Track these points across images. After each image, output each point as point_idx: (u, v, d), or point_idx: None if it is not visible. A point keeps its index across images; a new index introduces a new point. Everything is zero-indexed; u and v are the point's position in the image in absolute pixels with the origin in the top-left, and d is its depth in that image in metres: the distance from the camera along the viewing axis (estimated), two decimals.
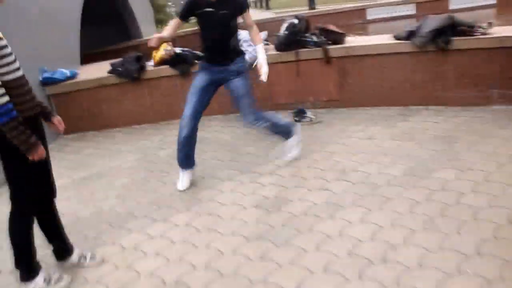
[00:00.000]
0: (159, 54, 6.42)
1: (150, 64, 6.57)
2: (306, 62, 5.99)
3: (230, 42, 4.09)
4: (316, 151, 4.73)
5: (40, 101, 2.97)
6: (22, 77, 2.74)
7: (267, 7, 46.46)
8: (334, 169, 4.27)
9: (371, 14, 17.00)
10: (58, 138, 6.52)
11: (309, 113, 5.71)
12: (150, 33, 17.17)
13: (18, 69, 2.71)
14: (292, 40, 5.95)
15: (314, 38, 5.92)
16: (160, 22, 26.02)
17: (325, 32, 5.98)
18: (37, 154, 2.71)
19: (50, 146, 6.10)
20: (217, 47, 4.10)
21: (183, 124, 4.17)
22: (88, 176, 5.09)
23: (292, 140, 4.57)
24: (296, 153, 4.60)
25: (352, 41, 6.10)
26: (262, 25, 15.37)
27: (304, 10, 25.59)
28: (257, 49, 4.14)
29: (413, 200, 3.53)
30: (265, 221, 3.54)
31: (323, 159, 4.52)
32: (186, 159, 4.36)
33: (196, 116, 4.17)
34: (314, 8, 24.02)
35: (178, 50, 6.39)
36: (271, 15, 24.86)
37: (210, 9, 3.91)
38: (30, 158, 2.69)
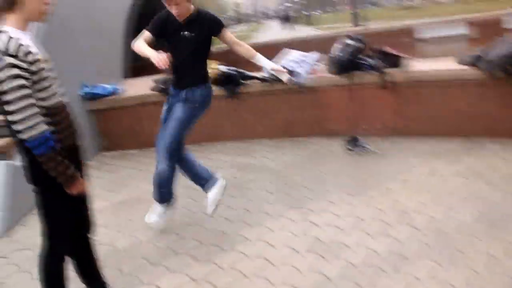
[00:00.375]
0: None
1: None
2: (361, 87, 5.60)
3: (196, 68, 3.72)
4: (373, 187, 4.31)
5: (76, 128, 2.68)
6: (61, 102, 2.48)
7: (308, 23, 46.39)
8: (395, 210, 3.84)
9: (420, 33, 16.35)
10: (98, 155, 6.32)
11: (363, 142, 5.30)
12: None
13: (57, 93, 2.44)
14: (346, 62, 5.57)
15: (371, 61, 5.53)
16: None
17: (382, 54, 5.58)
18: (76, 187, 2.44)
19: (87, 163, 5.96)
20: (180, 71, 3.71)
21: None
22: (126, 200, 4.82)
23: (159, 208, 3.94)
24: (155, 222, 3.95)
25: (411, 65, 5.67)
26: (307, 43, 15.08)
27: (347, 27, 25.25)
28: (258, 60, 3.66)
29: (490, 254, 3.08)
30: (320, 270, 3.15)
31: (381, 197, 4.10)
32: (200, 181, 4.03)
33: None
34: (359, 25, 23.64)
35: (224, 68, 6.10)
36: (315, 32, 24.60)
37: (177, 31, 3.59)
38: (68, 192, 2.41)
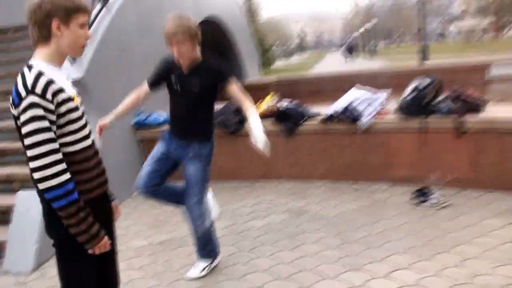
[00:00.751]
0: (262, 107, 5.78)
1: None
2: (434, 132, 5.03)
3: (198, 119, 3.44)
4: (445, 252, 3.71)
5: (106, 176, 2.31)
6: (91, 147, 2.13)
7: (373, 55, 45.76)
8: (473, 284, 3.23)
9: (495, 71, 15.30)
10: None
11: (433, 194, 4.71)
12: (253, 75, 16.96)
13: (87, 136, 2.10)
14: (419, 104, 5.03)
15: (447, 104, 4.96)
16: (265, 64, 26.03)
17: (461, 97, 5.00)
18: (99, 247, 2.06)
19: (134, 195, 5.67)
20: (181, 121, 3.50)
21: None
22: (168, 240, 4.46)
23: (206, 263, 3.73)
24: (197, 275, 3.67)
25: (494, 110, 5.06)
26: (373, 77, 14.50)
27: (414, 61, 24.45)
28: (249, 119, 3.25)
29: None
30: None
31: (455, 265, 3.49)
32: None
33: (151, 186, 3.57)
34: (427, 59, 22.77)
35: (285, 104, 5.71)
36: (382, 66, 23.93)
37: (180, 78, 3.35)
38: (90, 251, 2.04)
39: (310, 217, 4.68)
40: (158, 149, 3.60)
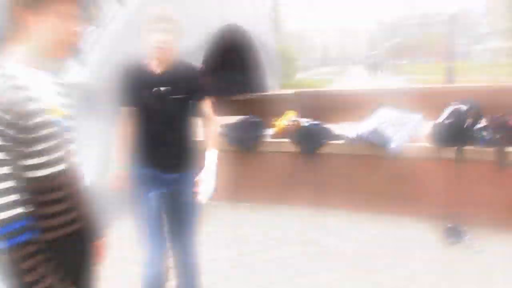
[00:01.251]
0: (281, 123, 5.33)
1: (269, 134, 5.48)
2: (471, 163, 4.51)
3: (185, 138, 2.73)
4: None
5: (85, 210, 1.84)
6: (63, 173, 1.67)
7: (397, 73, 45.06)
8: None
9: None
10: None
11: (467, 234, 4.19)
12: (274, 87, 16.51)
13: (59, 160, 1.65)
14: (456, 131, 4.52)
15: (487, 134, 4.45)
16: (287, 76, 25.64)
17: (503, 127, 4.48)
18: None
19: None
20: (163, 145, 2.68)
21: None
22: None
23: None
24: None
25: None
26: (399, 96, 13.92)
27: (440, 80, 23.78)
28: (207, 156, 2.62)
29: None
30: None
31: None
32: None
33: (164, 256, 2.80)
34: (453, 79, 22.04)
35: (305, 122, 5.25)
36: (407, 84, 23.34)
37: (152, 86, 2.60)
38: None
39: (328, 251, 4.18)
40: (147, 204, 2.70)
